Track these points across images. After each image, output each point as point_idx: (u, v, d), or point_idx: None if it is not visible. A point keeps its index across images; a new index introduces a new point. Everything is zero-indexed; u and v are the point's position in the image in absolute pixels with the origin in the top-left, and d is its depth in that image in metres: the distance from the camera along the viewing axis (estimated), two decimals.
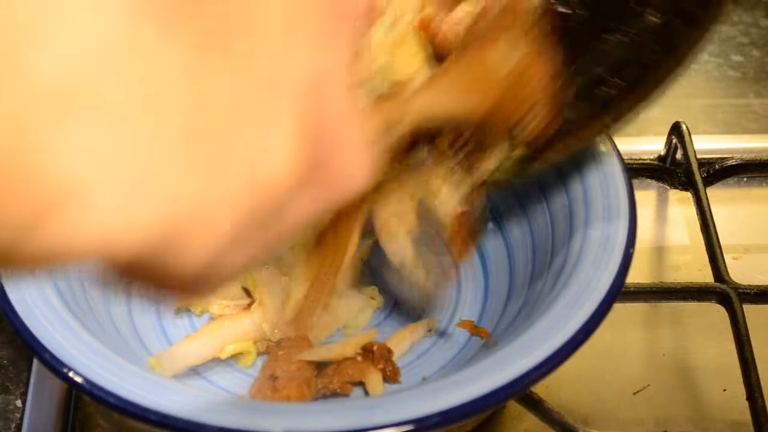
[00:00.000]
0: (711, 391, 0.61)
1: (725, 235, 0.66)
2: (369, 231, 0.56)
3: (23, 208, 0.22)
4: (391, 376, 0.55)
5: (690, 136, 0.72)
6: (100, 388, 0.45)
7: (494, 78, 0.51)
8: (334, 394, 0.55)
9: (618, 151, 0.57)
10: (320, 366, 0.56)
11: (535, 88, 0.50)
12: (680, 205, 0.74)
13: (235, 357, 0.57)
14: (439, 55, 0.55)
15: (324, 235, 0.56)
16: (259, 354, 0.58)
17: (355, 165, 0.30)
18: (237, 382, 0.57)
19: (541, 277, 0.56)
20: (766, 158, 0.74)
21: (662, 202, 0.75)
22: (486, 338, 0.58)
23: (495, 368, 0.46)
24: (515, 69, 0.50)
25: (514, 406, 0.58)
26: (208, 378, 0.57)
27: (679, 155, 0.74)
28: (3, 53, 0.21)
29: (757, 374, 0.56)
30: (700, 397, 0.61)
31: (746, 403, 0.55)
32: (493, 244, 0.63)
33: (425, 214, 0.55)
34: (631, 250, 0.51)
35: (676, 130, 0.73)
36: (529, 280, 0.58)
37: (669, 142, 0.74)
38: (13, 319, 0.48)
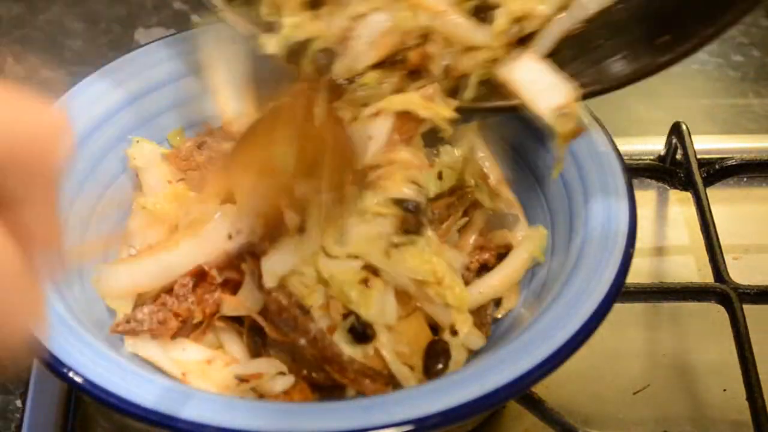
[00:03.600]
0: (711, 391, 0.61)
1: (725, 235, 0.66)
2: None
3: None
4: None
5: (690, 136, 0.72)
6: (100, 388, 0.45)
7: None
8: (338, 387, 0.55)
9: (618, 151, 0.57)
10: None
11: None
12: (680, 205, 0.74)
13: None
14: None
15: None
16: None
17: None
18: None
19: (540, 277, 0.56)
20: (766, 158, 0.74)
21: (662, 202, 0.75)
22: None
23: (495, 368, 0.46)
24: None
25: (514, 406, 0.58)
26: None
27: (679, 155, 0.74)
28: None
29: (757, 374, 0.56)
30: (700, 397, 0.61)
31: (746, 403, 0.55)
32: None
33: None
34: (631, 250, 0.51)
35: (676, 130, 0.73)
36: (529, 279, 0.58)
37: (669, 142, 0.74)
38: None
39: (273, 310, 0.51)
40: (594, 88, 0.53)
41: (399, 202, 0.53)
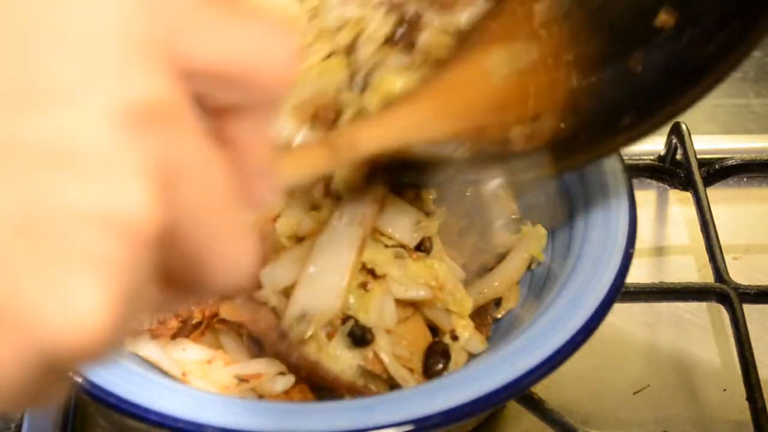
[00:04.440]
0: (711, 391, 0.61)
1: (725, 235, 0.66)
2: None
3: None
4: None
5: (690, 136, 0.72)
6: (100, 388, 0.45)
7: (487, 93, 0.44)
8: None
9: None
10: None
11: (541, 99, 0.44)
12: (680, 205, 0.74)
13: None
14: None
15: None
16: None
17: (232, 259, 0.25)
18: None
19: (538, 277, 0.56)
20: (766, 158, 0.74)
21: (662, 202, 0.75)
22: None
23: (495, 368, 0.46)
24: (516, 79, 0.43)
25: (514, 406, 0.58)
26: None
27: (679, 155, 0.74)
28: None
29: (757, 374, 0.56)
30: (700, 397, 0.61)
31: (746, 403, 0.55)
32: None
33: None
34: (631, 250, 0.51)
35: (676, 130, 0.73)
36: (529, 279, 0.58)
37: (669, 142, 0.74)
38: None
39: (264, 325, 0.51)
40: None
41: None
